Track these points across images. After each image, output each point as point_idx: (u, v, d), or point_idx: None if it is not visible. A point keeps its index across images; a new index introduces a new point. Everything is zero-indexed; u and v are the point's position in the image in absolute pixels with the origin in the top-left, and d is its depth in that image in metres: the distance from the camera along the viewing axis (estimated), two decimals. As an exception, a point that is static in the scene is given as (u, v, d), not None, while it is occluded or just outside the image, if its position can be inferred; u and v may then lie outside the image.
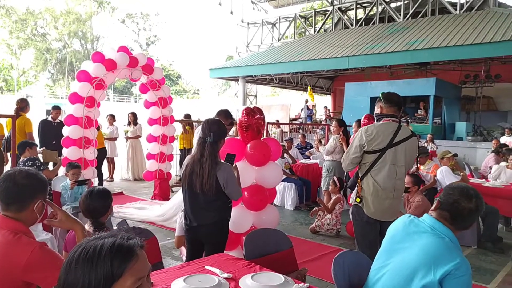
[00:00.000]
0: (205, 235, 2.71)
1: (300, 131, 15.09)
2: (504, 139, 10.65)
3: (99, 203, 2.36)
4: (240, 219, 3.17)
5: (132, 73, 6.20)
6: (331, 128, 6.24)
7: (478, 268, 4.07)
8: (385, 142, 2.72)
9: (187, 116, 8.79)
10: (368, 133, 2.75)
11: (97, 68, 5.67)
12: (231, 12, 21.15)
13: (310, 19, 19.75)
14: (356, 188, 2.83)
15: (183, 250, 3.57)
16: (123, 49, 6.12)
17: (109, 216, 2.54)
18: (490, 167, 6.56)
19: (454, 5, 14.81)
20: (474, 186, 5.02)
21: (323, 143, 8.75)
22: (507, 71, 14.26)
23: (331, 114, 19.31)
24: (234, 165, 2.84)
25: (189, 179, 2.66)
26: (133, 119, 8.83)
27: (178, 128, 8.53)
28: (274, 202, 6.90)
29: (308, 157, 8.60)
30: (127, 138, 8.85)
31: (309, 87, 17.79)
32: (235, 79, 19.25)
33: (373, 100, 15.07)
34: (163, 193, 6.90)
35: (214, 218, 2.66)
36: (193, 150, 2.81)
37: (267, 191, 3.15)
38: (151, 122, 6.92)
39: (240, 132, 3.11)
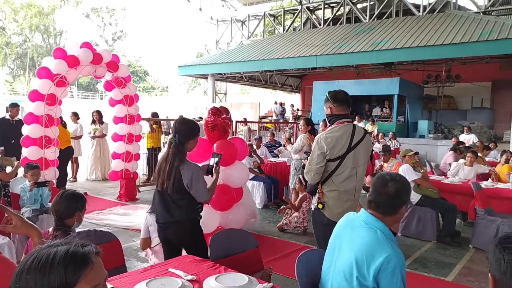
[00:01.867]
0: (173, 234, 2.70)
1: (270, 129, 15.16)
2: (463, 137, 11.15)
3: (66, 204, 2.33)
4: (206, 219, 3.15)
5: (96, 70, 6.02)
6: (299, 126, 6.31)
7: (437, 262, 4.24)
8: (345, 147, 2.73)
9: (155, 115, 8.64)
10: (328, 141, 2.73)
11: (58, 65, 5.47)
12: (200, 9, 20.97)
13: (279, 17, 19.87)
14: (317, 194, 2.82)
15: (149, 252, 3.52)
16: (86, 45, 5.93)
17: (78, 222, 2.48)
18: (449, 164, 6.85)
19: (417, 7, 15.33)
20: (434, 182, 5.26)
21: (292, 141, 8.84)
22: (467, 71, 14.93)
23: (300, 113, 19.54)
24: (218, 166, 2.85)
25: (157, 177, 2.70)
26: (98, 118, 8.58)
27: (146, 127, 8.38)
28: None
29: (277, 156, 8.66)
30: (94, 137, 8.59)
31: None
32: (204, 76, 19.11)
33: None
34: (129, 193, 6.75)
35: (179, 217, 2.66)
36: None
37: (234, 190, 3.14)
38: (117, 120, 6.75)
39: (207, 132, 3.09)
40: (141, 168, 7.96)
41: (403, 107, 14.86)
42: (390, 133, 11.73)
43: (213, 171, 2.84)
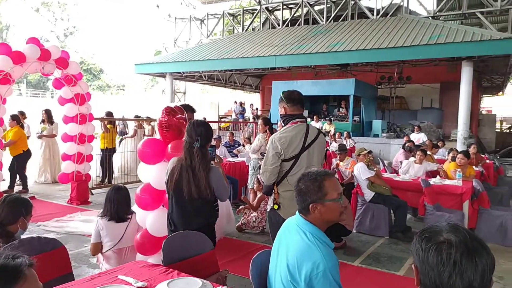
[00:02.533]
0: None
1: (229, 129, 15.11)
2: (413, 136, 11.67)
3: (8, 209, 2.19)
4: (162, 222, 3.06)
5: (44, 67, 5.70)
6: (258, 126, 6.32)
7: (389, 257, 4.40)
8: (299, 147, 2.74)
9: (109, 114, 8.32)
10: (282, 141, 2.73)
11: (2, 61, 5.14)
12: (158, 6, 20.49)
13: (238, 17, 19.85)
14: (273, 194, 2.82)
15: (100, 257, 3.37)
16: (33, 40, 5.61)
17: (22, 229, 2.33)
18: (401, 162, 7.14)
19: (371, 10, 15.85)
20: (386, 180, 5.44)
21: (251, 141, 8.85)
22: (417, 73, 15.66)
23: (260, 112, 19.64)
24: (215, 159, 2.84)
25: (176, 185, 2.61)
26: (47, 117, 8.15)
27: (102, 127, 8.06)
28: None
29: (236, 155, 8.63)
30: (41, 136, 8.14)
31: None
32: (163, 75, 18.70)
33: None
34: (81, 196, 6.46)
35: (201, 223, 2.65)
36: (182, 154, 2.67)
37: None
38: (67, 120, 6.44)
39: (161, 132, 3.01)
40: (94, 169, 7.65)
41: (359, 107, 15.36)
42: (345, 132, 12.06)
43: (215, 164, 2.83)
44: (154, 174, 3.05)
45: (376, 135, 14.40)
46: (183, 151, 2.64)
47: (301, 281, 1.64)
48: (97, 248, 3.29)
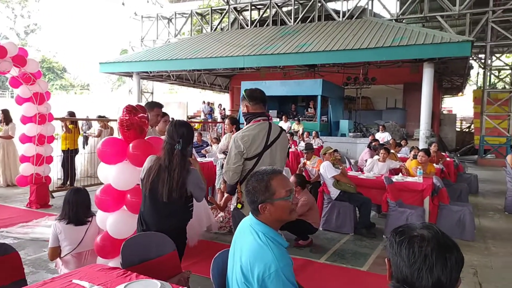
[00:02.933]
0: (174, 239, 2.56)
1: (197, 129, 14.96)
2: (378, 135, 11.99)
3: None
4: (123, 223, 2.98)
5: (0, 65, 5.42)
6: (225, 126, 6.29)
7: (354, 253, 4.48)
8: (261, 145, 2.73)
9: (71, 114, 8.03)
10: (245, 139, 2.71)
11: (-49, 58, 4.83)
12: (123, 3, 20.01)
13: (206, 16, 19.71)
14: (236, 193, 2.81)
15: (59, 262, 3.23)
16: (-14, 36, 5.31)
17: None
18: (366, 161, 7.30)
19: (337, 12, 16.17)
20: (352, 178, 5.54)
21: (220, 141, 8.79)
22: (382, 74, 16.12)
23: (229, 112, 19.59)
24: (192, 156, 2.80)
25: (152, 185, 2.53)
26: (4, 117, 7.77)
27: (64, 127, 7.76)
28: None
29: (205, 156, 8.56)
30: (-5, 137, 7.76)
31: None
32: (129, 74, 18.30)
33: (268, 98, 15.71)
34: (40, 200, 6.20)
35: (175, 224, 2.61)
36: (161, 154, 2.60)
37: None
38: (25, 120, 6.14)
39: (121, 131, 2.92)
40: (55, 171, 7.36)
41: (326, 107, 15.62)
42: (314, 132, 12.23)
43: (192, 162, 2.77)
44: (115, 175, 2.95)
45: (343, 135, 14.69)
46: (162, 152, 2.58)
47: (254, 282, 1.62)
48: (55, 252, 3.15)
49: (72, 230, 3.09)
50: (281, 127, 2.97)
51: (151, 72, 17.57)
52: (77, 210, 3.11)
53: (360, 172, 6.44)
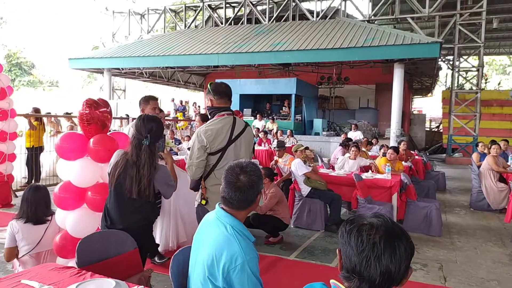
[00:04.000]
0: (136, 238, 2.44)
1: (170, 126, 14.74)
2: (351, 134, 12.16)
3: None
4: (83, 222, 2.87)
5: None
6: (195, 123, 6.20)
7: (324, 250, 4.50)
8: (225, 140, 2.69)
9: (37, 110, 7.72)
10: (208, 134, 2.67)
11: None
12: (94, -2, 19.45)
13: (180, 13, 19.45)
14: (200, 189, 2.76)
15: (16, 263, 3.08)
16: None
17: None
18: (338, 158, 7.37)
19: (311, 12, 16.29)
20: (323, 175, 5.57)
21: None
22: (355, 74, 16.36)
23: (203, 110, 19.38)
24: (165, 150, 2.75)
25: (118, 180, 2.47)
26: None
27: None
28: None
29: (176, 153, 8.42)
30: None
31: None
32: (100, 71, 17.83)
33: (243, 97, 15.58)
34: (2, 199, 5.93)
35: (141, 221, 2.54)
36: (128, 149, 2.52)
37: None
38: (-15, 116, 5.86)
39: (82, 126, 2.80)
40: (19, 170, 7.06)
41: (301, 106, 15.72)
42: (288, 130, 12.28)
43: (164, 156, 2.79)
44: (75, 171, 2.83)
45: (317, 134, 14.83)
46: (130, 146, 2.50)
47: (219, 275, 1.59)
48: (12, 253, 3.00)
49: (30, 229, 2.96)
50: (246, 122, 2.93)
51: (123, 69, 17.18)
52: (36, 208, 2.98)
53: (331, 170, 6.49)
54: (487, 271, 3.96)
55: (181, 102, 19.06)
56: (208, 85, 2.80)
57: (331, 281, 1.17)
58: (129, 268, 2.23)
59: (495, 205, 6.56)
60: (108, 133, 2.95)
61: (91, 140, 2.79)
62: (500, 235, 5.24)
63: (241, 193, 1.71)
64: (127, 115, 10.55)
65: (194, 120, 14.65)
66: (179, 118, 16.16)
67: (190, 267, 1.82)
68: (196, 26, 18.95)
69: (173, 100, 18.69)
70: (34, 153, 7.42)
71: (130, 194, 2.44)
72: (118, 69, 17.24)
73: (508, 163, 7.14)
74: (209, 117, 2.82)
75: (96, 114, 2.77)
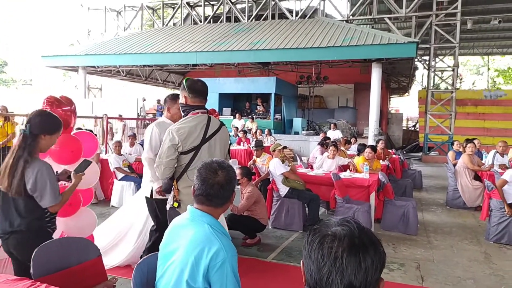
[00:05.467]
0: (14, 247, 2.25)
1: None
2: (330, 133, 12.20)
3: None
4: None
5: None
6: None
7: (301, 251, 4.41)
8: (198, 138, 2.58)
9: (3, 109, 7.38)
10: (181, 132, 2.55)
11: None
12: (68, -6, 18.90)
13: (158, 11, 19.12)
14: (172, 191, 2.63)
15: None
16: None
17: None
18: (316, 158, 7.33)
19: (290, 11, 16.27)
20: (301, 175, 5.50)
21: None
22: (334, 74, 16.44)
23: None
24: (82, 173, 2.46)
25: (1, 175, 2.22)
26: None
27: None
28: (112, 203, 6.37)
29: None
30: None
31: None
32: (75, 69, 17.32)
33: (222, 96, 15.40)
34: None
35: (19, 226, 2.22)
36: None
37: (80, 192, 2.74)
38: None
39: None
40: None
41: (280, 105, 15.68)
42: (266, 130, 12.21)
43: (72, 177, 2.44)
44: (36, 174, 2.65)
45: (297, 133, 14.81)
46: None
47: (199, 275, 1.51)
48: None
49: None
50: (221, 122, 2.82)
51: (98, 67, 16.75)
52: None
53: (309, 169, 6.44)
54: (464, 270, 3.97)
55: (159, 101, 18.73)
56: (184, 81, 2.67)
57: None
58: (92, 277, 2.09)
59: (471, 203, 6.65)
60: (72, 133, 2.78)
61: (54, 140, 2.61)
62: (476, 233, 5.29)
63: (220, 188, 1.66)
64: (105, 115, 10.24)
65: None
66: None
67: (158, 276, 1.70)
68: (174, 24, 18.65)
69: (158, 101, 18.34)
70: (1, 153, 7.09)
71: (5, 188, 2.19)
72: (94, 67, 16.80)
73: (483, 162, 7.26)
74: (183, 114, 2.69)
75: (58, 112, 2.60)
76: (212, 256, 1.52)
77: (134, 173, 6.53)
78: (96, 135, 6.31)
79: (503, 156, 6.96)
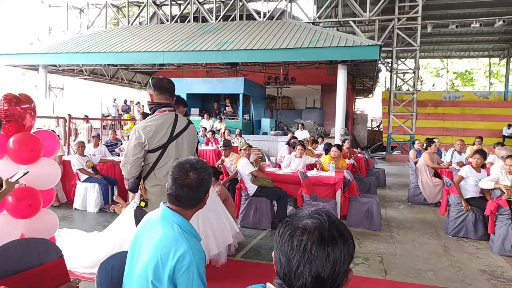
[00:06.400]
0: None
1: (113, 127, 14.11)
2: (297, 134, 12.36)
3: None
4: (4, 229, 2.57)
5: None
6: (137, 121, 5.92)
7: (270, 248, 4.46)
8: (165, 136, 2.55)
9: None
10: (147, 130, 2.51)
11: None
12: (28, -10, 18.13)
13: (123, 9, 18.69)
14: (139, 191, 2.59)
15: None
16: None
17: None
18: (284, 157, 7.41)
19: (258, 13, 16.36)
20: (269, 174, 5.55)
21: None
22: (301, 75, 16.68)
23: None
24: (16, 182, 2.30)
25: None
26: None
27: None
28: (75, 205, 6.17)
29: (118, 154, 8.04)
30: None
31: None
32: (35, 68, 16.64)
33: (190, 96, 15.25)
34: None
35: None
36: None
37: (40, 193, 2.65)
38: None
39: (-1, 123, 2.51)
40: None
41: (248, 106, 15.73)
42: (237, 130, 12.22)
43: (4, 183, 2.28)
44: (-8, 174, 2.53)
45: (265, 133, 14.91)
46: None
47: (164, 276, 1.48)
48: None
49: None
50: (189, 120, 2.80)
51: (60, 66, 16.17)
52: None
53: (277, 168, 6.50)
54: (424, 263, 4.14)
55: (125, 101, 18.30)
56: (150, 80, 2.64)
57: (267, 284, 1.08)
58: (54, 279, 2.02)
59: (431, 199, 6.94)
60: (31, 132, 2.68)
61: (11, 139, 2.51)
62: (435, 228, 5.54)
63: (190, 191, 1.62)
64: (69, 115, 9.90)
65: (137, 120, 14.14)
66: (126, 119, 15.48)
67: (125, 274, 1.67)
68: (140, 23, 18.30)
69: (115, 100, 17.86)
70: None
71: None
72: (55, 66, 16.20)
73: (442, 160, 7.60)
74: (150, 113, 2.66)
75: (17, 110, 2.50)
76: (179, 258, 1.49)
77: (98, 174, 6.35)
78: (58, 135, 6.10)
79: (460, 154, 7.32)
